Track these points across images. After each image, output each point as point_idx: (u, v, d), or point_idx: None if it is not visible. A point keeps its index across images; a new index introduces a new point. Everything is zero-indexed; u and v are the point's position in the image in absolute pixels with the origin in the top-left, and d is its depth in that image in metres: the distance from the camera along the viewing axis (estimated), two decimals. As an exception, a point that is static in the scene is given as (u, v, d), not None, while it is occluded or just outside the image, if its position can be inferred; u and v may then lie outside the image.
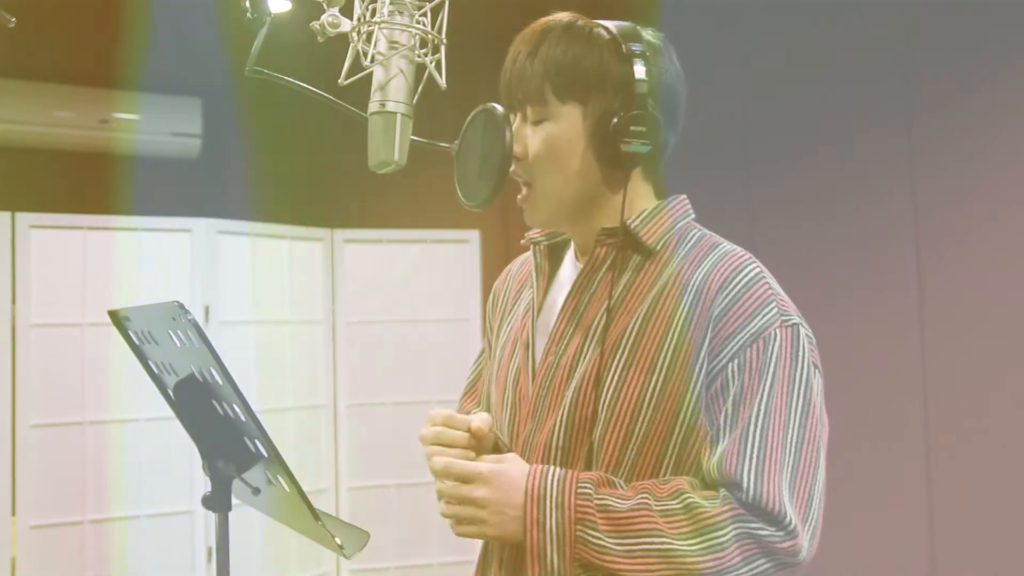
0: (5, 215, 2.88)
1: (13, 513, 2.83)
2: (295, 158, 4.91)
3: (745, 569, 1.04)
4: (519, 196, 1.25)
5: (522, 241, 1.35)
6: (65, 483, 2.91)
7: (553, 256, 1.32)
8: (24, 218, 2.90)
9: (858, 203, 3.23)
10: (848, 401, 3.21)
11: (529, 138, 1.21)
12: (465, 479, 1.10)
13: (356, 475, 3.44)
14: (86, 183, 4.95)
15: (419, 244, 3.58)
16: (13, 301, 2.87)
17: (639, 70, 1.16)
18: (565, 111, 1.18)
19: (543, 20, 1.23)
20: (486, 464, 1.11)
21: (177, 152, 5.18)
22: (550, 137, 1.19)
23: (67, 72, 4.78)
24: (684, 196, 1.26)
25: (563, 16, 1.22)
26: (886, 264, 3.16)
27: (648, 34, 1.22)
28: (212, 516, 3.24)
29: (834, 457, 3.29)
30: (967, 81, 2.98)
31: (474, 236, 3.61)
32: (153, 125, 5.10)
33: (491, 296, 1.45)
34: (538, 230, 1.33)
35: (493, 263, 3.46)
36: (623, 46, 1.17)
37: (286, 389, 3.33)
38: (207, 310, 3.12)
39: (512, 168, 1.21)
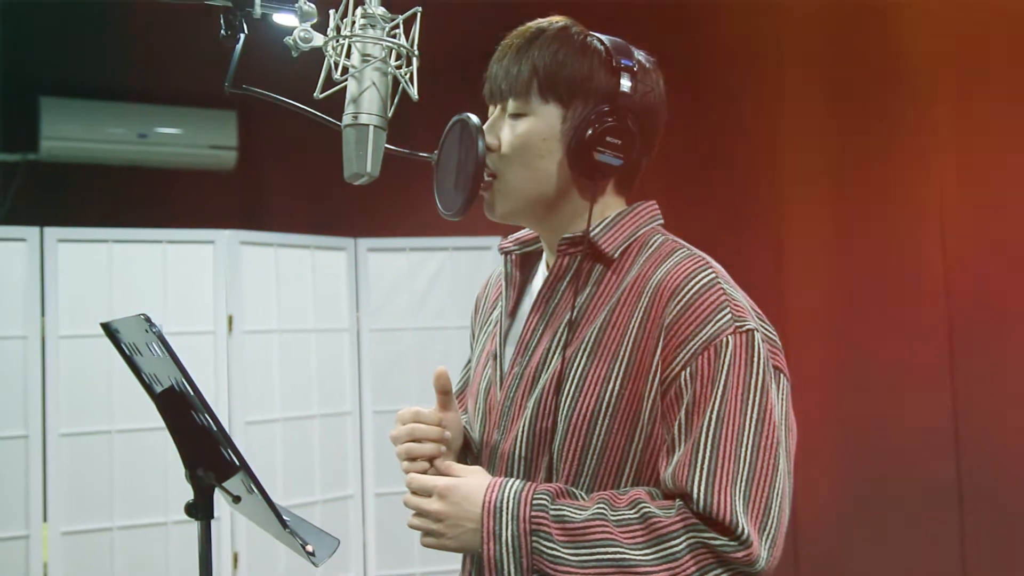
0: (34, 230, 2.96)
1: (44, 520, 2.90)
2: (319, 168, 4.97)
3: None
4: (481, 186, 1.24)
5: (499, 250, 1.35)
6: (94, 491, 2.97)
7: (526, 266, 1.33)
8: (52, 232, 2.98)
9: (882, 202, 3.19)
10: (875, 402, 3.16)
11: (505, 130, 1.21)
12: (423, 492, 1.11)
13: (382, 481, 3.47)
14: (122, 197, 5.06)
15: (441, 252, 3.60)
16: (42, 314, 2.94)
17: (625, 84, 1.16)
18: (545, 110, 1.18)
19: (539, 21, 1.24)
20: (443, 478, 1.11)
21: (214, 164, 5.27)
22: (526, 132, 1.19)
23: (110, 88, 4.90)
24: (652, 202, 1.25)
25: (558, 19, 1.23)
26: (913, 263, 3.11)
27: (639, 54, 1.22)
28: (238, 523, 3.29)
29: (862, 456, 3.23)
30: (988, 79, 2.92)
31: (496, 243, 3.62)
32: (191, 138, 5.20)
33: (473, 305, 1.46)
34: (511, 240, 1.33)
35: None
36: (614, 59, 1.18)
37: (312, 397, 3.37)
38: (231, 320, 3.17)
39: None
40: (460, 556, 1.25)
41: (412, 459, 1.20)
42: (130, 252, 3.09)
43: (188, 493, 1.20)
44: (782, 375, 1.13)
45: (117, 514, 2.99)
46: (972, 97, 2.98)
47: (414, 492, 1.12)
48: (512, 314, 1.28)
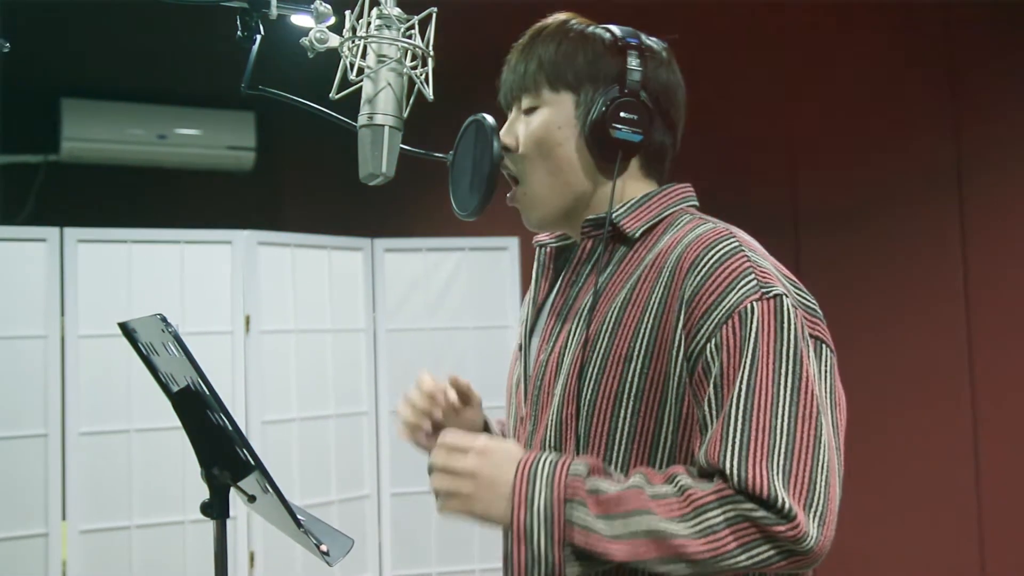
0: (54, 230, 2.98)
1: (64, 518, 2.92)
2: (336, 169, 4.98)
3: (744, 556, 0.95)
4: (508, 195, 1.24)
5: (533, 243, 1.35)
6: (113, 489, 2.99)
7: (562, 258, 1.32)
8: (72, 233, 3.00)
9: (904, 208, 3.16)
10: (893, 402, 3.13)
11: (521, 127, 1.21)
12: (459, 450, 1.05)
13: (398, 481, 3.47)
14: (141, 197, 5.10)
15: (458, 252, 3.60)
16: (62, 313, 2.97)
17: (632, 62, 1.16)
18: (557, 99, 1.19)
19: (540, 22, 1.25)
20: (484, 437, 1.07)
21: (232, 165, 5.30)
22: (541, 123, 1.19)
23: (130, 90, 4.94)
24: (686, 184, 1.23)
25: (559, 15, 1.24)
26: (932, 266, 3.09)
27: (648, 39, 1.22)
28: (254, 522, 3.29)
29: (882, 457, 3.20)
30: (1014, 69, 2.90)
31: (513, 243, 3.63)
32: (210, 139, 5.23)
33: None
34: (547, 234, 1.33)
35: (531, 270, 3.47)
36: (619, 40, 1.18)
37: (328, 397, 3.38)
38: (248, 320, 3.19)
39: (503, 161, 1.21)
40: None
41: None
42: (149, 252, 3.11)
43: (206, 492, 1.20)
44: (824, 345, 1.08)
45: (135, 513, 3.01)
46: (995, 94, 2.95)
47: (448, 450, 1.06)
48: (543, 305, 1.27)
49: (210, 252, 3.18)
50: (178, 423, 3.26)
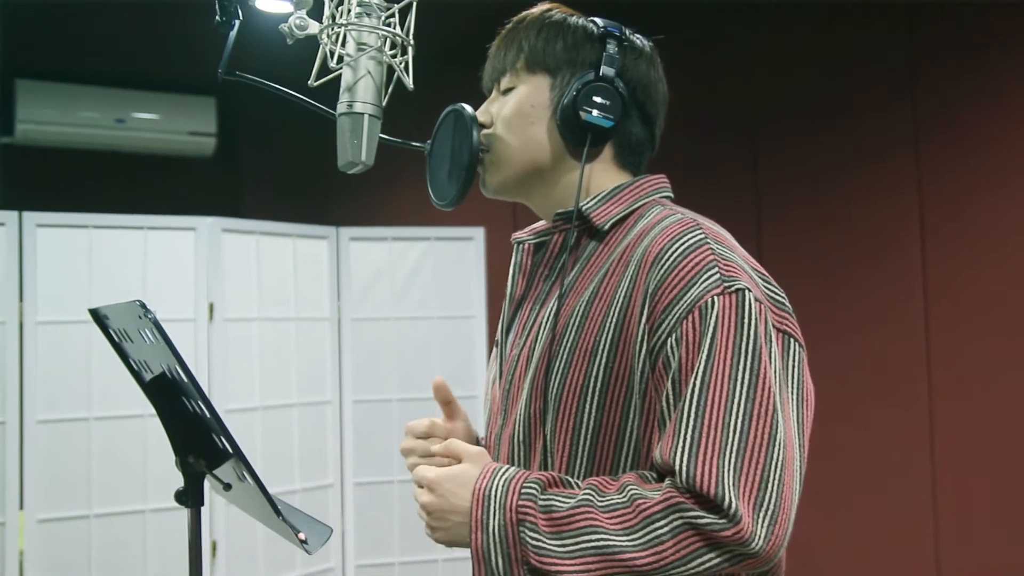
0: (12, 214, 2.92)
1: (21, 507, 2.87)
2: (301, 157, 4.95)
3: (688, 567, 0.96)
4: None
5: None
6: (72, 478, 2.95)
7: (539, 254, 1.32)
8: (31, 217, 2.94)
9: (863, 198, 3.22)
10: (852, 400, 3.19)
11: (496, 106, 1.23)
12: (418, 484, 1.10)
13: (362, 471, 3.47)
14: (100, 181, 5.02)
15: (424, 241, 3.59)
16: (20, 299, 2.91)
17: (611, 49, 1.17)
18: (534, 79, 1.20)
19: (524, 12, 1.26)
20: (435, 470, 1.09)
21: (193, 151, 5.24)
22: (516, 101, 1.20)
23: (86, 72, 4.85)
24: (660, 176, 1.23)
25: (543, 5, 1.25)
26: (891, 259, 3.14)
27: (633, 35, 1.23)
28: (217, 511, 3.26)
29: (838, 455, 3.25)
30: (973, 70, 2.96)
31: (479, 233, 3.63)
32: (169, 124, 5.17)
33: None
34: (526, 230, 1.33)
35: (498, 260, 3.47)
36: (599, 29, 1.19)
37: (292, 385, 3.36)
38: (212, 308, 3.15)
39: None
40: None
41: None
42: (111, 238, 3.06)
43: (167, 481, 1.19)
44: (792, 339, 1.08)
45: (95, 502, 2.97)
46: (956, 90, 3.01)
47: (416, 484, 1.11)
48: (520, 302, 1.27)
49: (173, 239, 3.14)
50: (139, 411, 3.19)
